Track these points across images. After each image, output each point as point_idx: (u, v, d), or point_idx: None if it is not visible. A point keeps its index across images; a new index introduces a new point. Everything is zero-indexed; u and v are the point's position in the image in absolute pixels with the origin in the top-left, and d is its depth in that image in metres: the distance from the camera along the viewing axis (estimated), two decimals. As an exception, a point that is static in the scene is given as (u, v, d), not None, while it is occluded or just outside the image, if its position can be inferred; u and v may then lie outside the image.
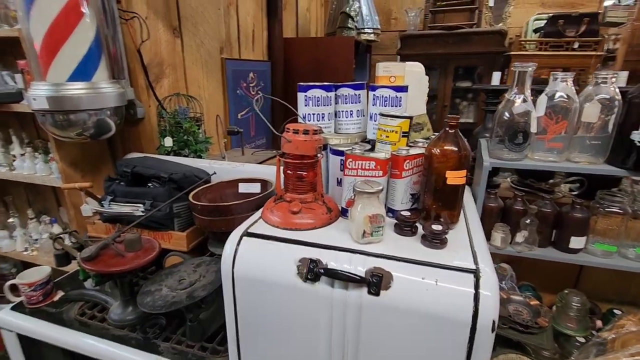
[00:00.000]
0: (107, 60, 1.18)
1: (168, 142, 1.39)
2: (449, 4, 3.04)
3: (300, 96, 0.96)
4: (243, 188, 1.24)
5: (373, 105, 0.93)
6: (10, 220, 1.61)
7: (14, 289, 1.09)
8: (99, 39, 1.13)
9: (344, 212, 0.82)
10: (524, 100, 1.04)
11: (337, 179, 0.87)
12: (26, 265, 1.70)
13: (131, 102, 1.35)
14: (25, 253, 1.53)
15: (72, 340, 0.98)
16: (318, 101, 0.95)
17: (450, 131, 0.72)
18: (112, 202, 1.18)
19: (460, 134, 0.71)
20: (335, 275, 0.64)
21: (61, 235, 1.16)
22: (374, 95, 0.92)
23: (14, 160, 1.43)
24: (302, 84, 0.96)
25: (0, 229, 1.59)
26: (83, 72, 1.09)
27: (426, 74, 1.04)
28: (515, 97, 1.05)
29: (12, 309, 1.09)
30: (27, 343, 1.07)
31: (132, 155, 1.40)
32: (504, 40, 2.74)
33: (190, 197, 1.09)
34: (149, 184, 1.21)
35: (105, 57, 1.17)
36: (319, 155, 0.78)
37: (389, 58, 3.34)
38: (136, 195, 1.17)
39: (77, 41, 1.07)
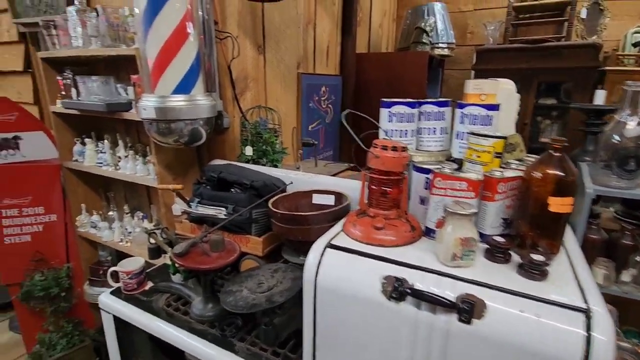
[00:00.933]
0: (203, 75, 1.31)
1: (249, 151, 1.48)
2: (533, 17, 2.86)
3: (384, 112, 0.97)
4: (317, 199, 1.27)
5: (460, 123, 0.90)
6: (111, 213, 1.83)
7: (114, 275, 1.24)
8: (199, 57, 1.26)
9: (427, 232, 0.80)
10: (639, 123, 0.92)
11: (420, 197, 0.85)
12: (119, 254, 1.91)
13: (219, 113, 1.46)
14: (120, 244, 1.72)
15: (159, 328, 1.07)
16: (402, 117, 0.95)
17: (555, 154, 0.67)
18: (199, 204, 1.29)
19: (567, 158, 0.66)
20: (423, 297, 0.62)
21: (155, 231, 1.29)
22: (461, 113, 0.90)
23: (119, 161, 1.64)
24: (385, 100, 0.97)
25: (102, 221, 1.81)
26: (184, 86, 1.22)
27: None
28: (627, 118, 0.94)
29: (111, 293, 1.23)
30: (120, 325, 1.20)
31: (216, 162, 1.51)
32: (598, 55, 2.49)
33: (270, 205, 1.15)
34: (232, 189, 1.30)
35: (202, 73, 1.30)
36: (405, 172, 0.78)
37: (462, 73, 3.22)
38: (220, 199, 1.26)
39: (182, 59, 1.19)
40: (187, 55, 1.20)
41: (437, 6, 2.68)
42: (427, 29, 2.50)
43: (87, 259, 1.94)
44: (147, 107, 1.20)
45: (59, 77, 1.63)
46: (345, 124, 0.81)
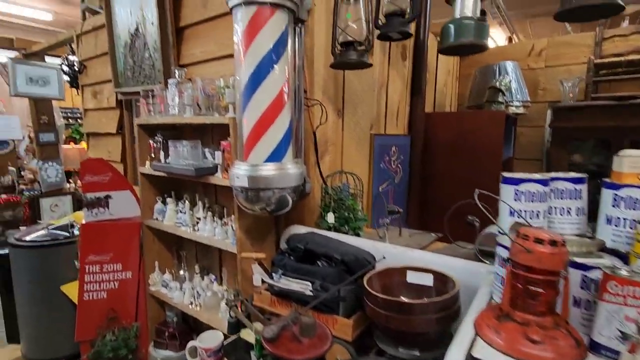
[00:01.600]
0: (293, 143, 1.30)
1: (330, 218, 1.41)
2: (615, 72, 2.69)
3: (509, 189, 0.86)
4: (412, 278, 1.14)
5: (614, 207, 0.76)
6: (182, 272, 1.82)
7: (193, 351, 1.16)
8: (291, 125, 1.26)
9: (594, 347, 0.64)
10: None
11: (574, 297, 0.70)
12: (184, 315, 1.86)
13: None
14: (190, 306, 1.67)
15: (241, 423, 0.95)
16: (533, 196, 0.83)
17: None
18: (282, 276, 1.21)
19: None
20: None
21: (236, 304, 1.21)
22: (615, 194, 0.76)
23: (197, 222, 1.64)
24: (510, 175, 0.86)
25: (173, 280, 1.79)
26: (277, 154, 1.21)
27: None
28: None
29: (188, 371, 1.14)
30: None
31: (296, 228, 1.46)
32: None
33: (365, 284, 1.04)
34: (318, 262, 1.22)
35: (292, 140, 1.29)
36: (565, 272, 0.64)
37: (534, 130, 3.06)
38: (306, 272, 1.18)
39: (277, 128, 1.20)
40: (282, 124, 1.21)
41: (510, 65, 2.61)
42: (502, 88, 2.42)
43: (153, 317, 1.91)
44: (239, 175, 1.20)
45: (151, 141, 1.73)
46: (480, 205, 0.71)
